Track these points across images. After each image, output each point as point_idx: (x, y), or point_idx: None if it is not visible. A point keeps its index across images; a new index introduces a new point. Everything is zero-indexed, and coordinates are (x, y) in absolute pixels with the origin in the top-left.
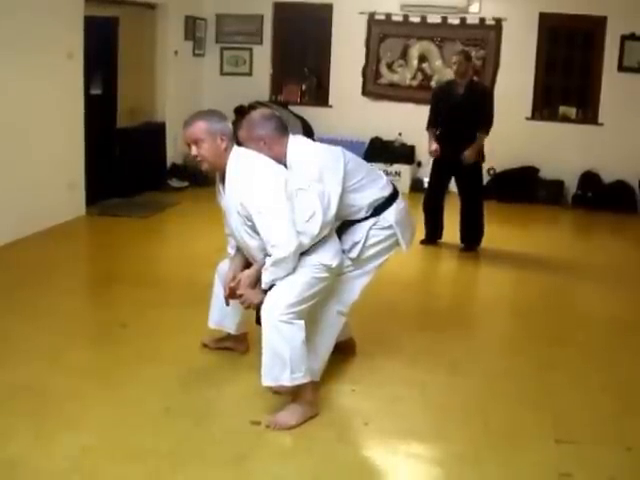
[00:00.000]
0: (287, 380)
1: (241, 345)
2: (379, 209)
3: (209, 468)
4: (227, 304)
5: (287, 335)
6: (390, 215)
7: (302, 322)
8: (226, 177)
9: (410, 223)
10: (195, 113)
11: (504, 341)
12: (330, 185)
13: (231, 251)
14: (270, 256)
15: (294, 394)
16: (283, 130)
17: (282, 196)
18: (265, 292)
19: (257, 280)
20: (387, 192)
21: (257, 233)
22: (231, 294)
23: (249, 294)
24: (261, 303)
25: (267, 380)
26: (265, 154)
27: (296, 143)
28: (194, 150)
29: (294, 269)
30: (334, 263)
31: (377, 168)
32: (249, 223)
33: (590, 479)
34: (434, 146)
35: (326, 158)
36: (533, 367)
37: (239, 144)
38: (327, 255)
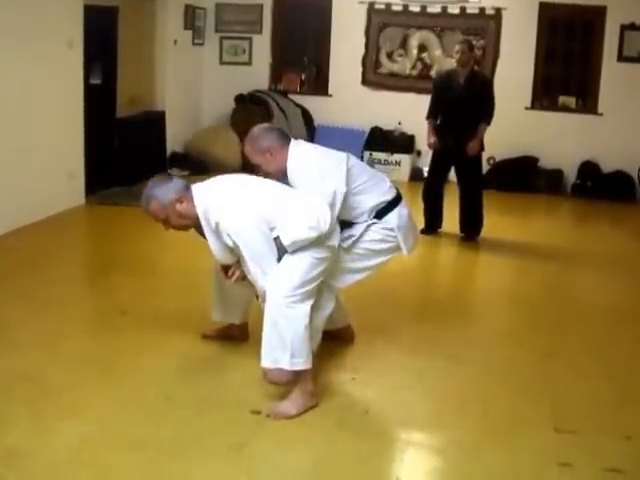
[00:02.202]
0: (287, 364)
1: (242, 333)
2: (381, 213)
3: (209, 457)
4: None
5: (291, 318)
6: (392, 219)
7: (306, 307)
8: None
9: (413, 230)
10: (144, 193)
11: (504, 330)
12: (333, 184)
13: None
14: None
15: (294, 384)
16: (286, 138)
17: (259, 237)
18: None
19: None
20: (390, 196)
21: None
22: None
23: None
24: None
25: (266, 361)
26: (272, 165)
27: (298, 148)
28: (165, 226)
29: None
30: (335, 242)
31: (380, 172)
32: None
33: (589, 468)
34: (432, 139)
35: (328, 161)
36: (533, 356)
37: (244, 158)
38: (327, 235)
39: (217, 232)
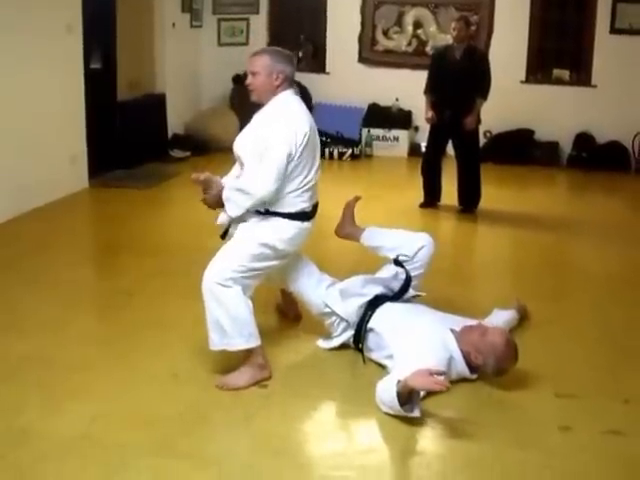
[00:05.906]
0: (226, 345)
1: (291, 309)
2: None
3: (217, 431)
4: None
5: (224, 299)
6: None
7: (237, 288)
8: (261, 110)
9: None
10: (266, 48)
11: (502, 297)
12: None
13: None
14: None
15: (244, 357)
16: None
17: (284, 152)
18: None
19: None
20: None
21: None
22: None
23: (209, 200)
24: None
25: (211, 344)
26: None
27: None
28: (249, 79)
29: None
30: (280, 245)
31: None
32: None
33: (589, 432)
34: (430, 113)
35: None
36: (532, 322)
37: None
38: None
39: (259, 131)
